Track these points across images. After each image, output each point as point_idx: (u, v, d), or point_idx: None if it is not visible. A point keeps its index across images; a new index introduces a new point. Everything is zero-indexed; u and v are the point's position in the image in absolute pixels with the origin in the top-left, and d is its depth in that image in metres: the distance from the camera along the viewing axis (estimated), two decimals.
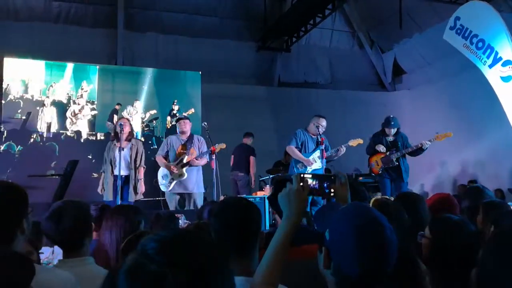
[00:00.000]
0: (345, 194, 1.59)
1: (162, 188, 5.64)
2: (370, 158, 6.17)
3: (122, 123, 5.30)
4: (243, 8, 9.82)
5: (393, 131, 6.04)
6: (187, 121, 5.75)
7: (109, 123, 5.86)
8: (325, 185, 1.54)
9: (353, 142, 5.78)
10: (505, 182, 7.42)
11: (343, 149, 5.60)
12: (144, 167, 5.43)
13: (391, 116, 6.16)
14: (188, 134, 5.71)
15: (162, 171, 5.65)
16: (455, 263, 1.74)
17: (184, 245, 0.75)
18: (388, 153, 5.97)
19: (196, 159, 5.51)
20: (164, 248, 0.74)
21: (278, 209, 1.50)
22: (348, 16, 10.43)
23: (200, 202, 5.53)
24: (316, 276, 1.32)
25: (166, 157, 5.64)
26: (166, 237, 0.76)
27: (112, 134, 5.56)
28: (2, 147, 7.58)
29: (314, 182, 1.51)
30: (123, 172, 5.21)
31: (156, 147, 8.44)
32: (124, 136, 5.26)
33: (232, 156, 7.53)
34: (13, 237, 1.50)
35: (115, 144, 5.30)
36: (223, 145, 5.56)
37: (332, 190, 1.56)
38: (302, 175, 1.47)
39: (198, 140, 5.74)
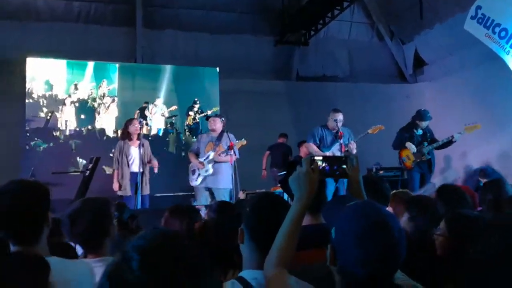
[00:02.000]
0: (356, 176, 1.62)
1: (191, 182, 5.91)
2: (401, 152, 6.10)
3: (134, 124, 5.76)
4: (260, 2, 9.78)
5: (425, 124, 5.99)
6: (217, 119, 5.92)
7: (141, 119, 6.16)
8: (335, 167, 1.55)
9: (373, 130, 5.72)
10: None
11: (353, 145, 5.54)
12: (154, 159, 5.87)
13: (423, 109, 6.11)
14: (219, 131, 5.81)
15: (191, 166, 5.94)
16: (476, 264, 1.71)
17: (166, 259, 0.74)
18: (419, 147, 5.94)
19: (223, 155, 5.59)
20: (146, 261, 0.73)
21: (290, 193, 1.52)
22: (367, 7, 10.27)
23: (226, 197, 5.62)
24: (324, 280, 1.32)
25: (197, 153, 5.90)
26: (149, 248, 0.76)
27: (123, 134, 5.93)
28: (28, 145, 7.79)
29: (324, 164, 1.51)
30: (138, 169, 5.65)
31: (177, 144, 8.57)
32: (136, 136, 5.72)
33: (268, 153, 7.91)
34: (42, 230, 1.55)
35: (128, 143, 5.69)
36: (244, 142, 5.68)
37: (343, 172, 1.57)
38: (312, 158, 1.48)
39: (229, 137, 5.83)
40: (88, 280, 1.58)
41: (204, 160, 5.70)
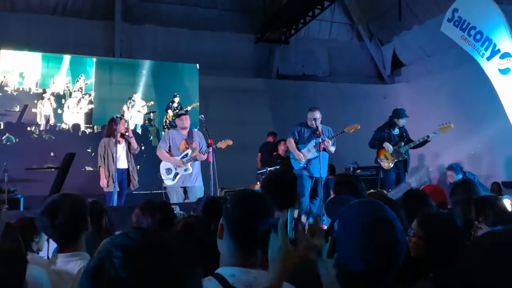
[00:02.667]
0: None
1: (167, 182, 5.69)
2: (379, 152, 6.17)
3: (120, 122, 5.67)
4: (242, 0, 9.75)
5: (403, 122, 6.09)
6: (188, 116, 5.81)
7: (117, 115, 6.14)
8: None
9: (349, 129, 5.78)
10: (501, 174, 7.42)
11: (327, 143, 5.59)
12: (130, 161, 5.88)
13: (400, 108, 6.20)
14: (188, 129, 5.74)
15: (164, 165, 5.72)
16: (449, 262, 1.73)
17: (150, 258, 0.73)
18: (396, 147, 6.03)
19: (203, 154, 5.54)
20: (129, 260, 0.72)
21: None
22: (347, 8, 10.36)
23: (201, 195, 5.58)
24: (305, 275, 1.32)
25: (168, 152, 5.71)
26: (133, 246, 0.74)
27: (108, 131, 5.84)
28: (1, 140, 7.57)
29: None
30: (123, 166, 5.71)
31: (152, 139, 8.45)
32: (120, 133, 5.64)
33: (259, 154, 7.95)
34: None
35: (113, 141, 5.60)
36: (230, 142, 5.61)
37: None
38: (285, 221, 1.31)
39: (198, 135, 5.81)
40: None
41: (183, 158, 5.61)
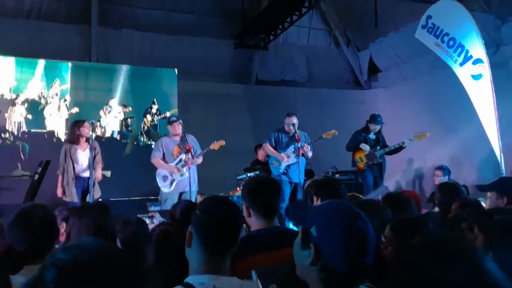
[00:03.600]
0: None
1: (165, 189, 5.64)
2: (354, 154, 6.30)
3: (84, 127, 5.47)
4: (220, 5, 9.76)
5: (378, 127, 6.22)
6: (179, 122, 5.75)
7: (93, 121, 5.99)
8: None
9: (327, 135, 5.87)
10: (473, 178, 7.60)
11: (307, 148, 5.64)
12: (102, 162, 5.63)
13: (377, 113, 6.34)
14: (180, 134, 5.71)
15: (161, 173, 5.68)
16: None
17: (83, 278, 0.70)
18: (372, 150, 6.15)
19: (197, 157, 5.55)
20: (61, 280, 0.70)
21: (295, 221, 1.45)
22: (325, 14, 10.49)
23: (194, 200, 5.55)
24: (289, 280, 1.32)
25: (162, 159, 5.67)
26: (66, 264, 0.71)
27: (70, 136, 5.64)
28: None
29: None
30: (86, 174, 5.41)
31: (132, 146, 8.35)
32: (84, 139, 5.46)
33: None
34: None
35: (75, 147, 5.41)
36: (223, 142, 5.67)
37: None
38: None
39: (192, 139, 5.77)
40: None
41: (178, 164, 5.56)
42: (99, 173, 5.54)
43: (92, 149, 5.32)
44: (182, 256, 1.52)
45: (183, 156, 5.53)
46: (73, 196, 5.33)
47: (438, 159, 8.20)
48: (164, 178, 5.65)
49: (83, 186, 5.39)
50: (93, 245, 0.75)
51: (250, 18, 9.49)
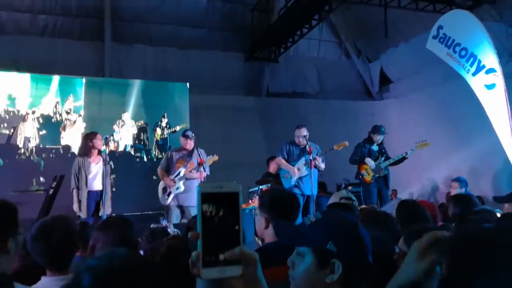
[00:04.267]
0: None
1: (162, 201, 5.66)
2: (360, 167, 6.25)
3: (97, 139, 5.37)
4: (230, 19, 9.86)
5: (381, 138, 6.19)
6: (191, 140, 5.69)
7: (107, 136, 5.97)
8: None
9: (338, 146, 5.83)
10: (489, 189, 7.47)
11: (319, 160, 5.59)
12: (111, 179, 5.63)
13: (379, 124, 6.31)
14: (191, 149, 5.70)
15: (162, 184, 5.71)
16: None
17: (118, 281, 0.73)
18: (377, 162, 6.11)
19: (194, 172, 5.49)
20: (96, 281, 0.73)
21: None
22: (335, 26, 10.53)
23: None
24: None
25: (167, 170, 5.68)
26: (101, 270, 0.75)
27: (82, 149, 5.52)
28: None
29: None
30: (99, 188, 5.31)
31: (146, 160, 8.41)
32: (97, 151, 5.38)
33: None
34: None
35: (88, 160, 5.31)
36: (216, 157, 5.60)
37: None
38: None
39: (199, 153, 5.67)
40: None
41: (175, 177, 5.54)
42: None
43: (105, 161, 5.28)
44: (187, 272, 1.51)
45: (182, 170, 5.52)
46: (84, 212, 5.21)
47: (453, 170, 8.11)
48: (164, 190, 5.66)
49: (96, 199, 5.31)
50: (123, 253, 0.79)
51: (260, 31, 9.57)
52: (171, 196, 5.54)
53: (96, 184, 5.32)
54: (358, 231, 1.21)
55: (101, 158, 5.40)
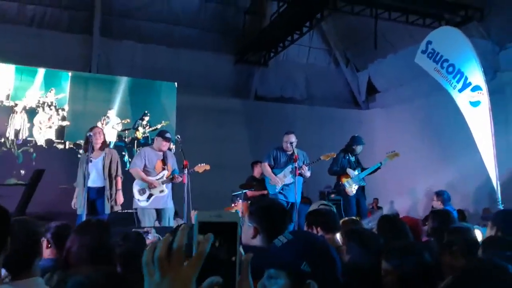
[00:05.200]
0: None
1: (141, 204, 5.29)
2: (341, 178, 6.23)
3: (93, 133, 5.08)
4: (222, 21, 9.84)
5: (360, 149, 6.25)
6: (170, 144, 5.57)
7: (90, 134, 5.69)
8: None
9: (325, 156, 5.85)
10: (468, 204, 7.61)
11: (305, 168, 5.59)
12: (121, 177, 5.21)
13: (357, 135, 6.37)
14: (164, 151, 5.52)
15: (138, 185, 5.34)
16: None
17: None
18: (357, 173, 6.16)
19: (179, 176, 5.34)
20: None
21: None
22: (326, 34, 10.60)
23: (172, 217, 5.44)
24: None
25: (143, 170, 5.36)
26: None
27: (84, 144, 5.28)
28: None
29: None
30: (97, 184, 5.04)
31: (128, 157, 8.30)
32: (97, 146, 5.08)
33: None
34: None
35: (87, 156, 4.99)
36: (207, 167, 5.51)
37: None
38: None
39: (171, 156, 5.59)
40: None
41: (159, 180, 5.32)
42: (120, 197, 5.14)
43: (105, 157, 5.04)
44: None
45: (165, 173, 5.33)
46: (81, 208, 4.89)
47: (435, 181, 8.22)
48: (141, 191, 5.30)
49: (95, 196, 5.02)
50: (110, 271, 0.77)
51: (251, 34, 9.57)
52: (152, 198, 5.29)
53: (93, 181, 5.00)
54: (329, 250, 1.21)
55: (104, 153, 5.10)
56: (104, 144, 5.21)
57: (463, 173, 7.59)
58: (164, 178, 5.34)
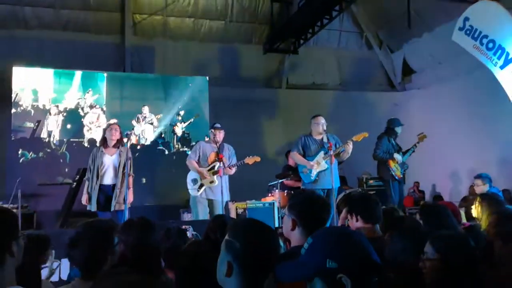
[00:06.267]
0: None
1: (192, 192, 5.50)
2: (389, 163, 6.14)
3: (110, 129, 5.14)
4: (249, 11, 9.79)
5: (400, 130, 6.13)
6: (222, 131, 5.63)
7: (128, 132, 5.92)
8: None
9: (357, 137, 5.52)
10: None
11: (350, 146, 5.43)
12: (133, 175, 5.20)
13: (394, 117, 6.27)
14: (220, 143, 5.58)
15: (191, 175, 5.56)
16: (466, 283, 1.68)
17: None
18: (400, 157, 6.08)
19: (230, 168, 5.45)
20: None
21: None
22: (356, 16, 10.34)
23: (222, 210, 5.49)
24: None
25: (197, 162, 5.55)
26: None
27: (100, 139, 5.31)
28: (14, 156, 7.65)
29: None
30: (111, 181, 5.04)
31: (166, 153, 8.49)
32: (112, 142, 5.08)
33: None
34: (3, 260, 1.46)
35: (102, 151, 5.05)
36: (258, 158, 5.58)
37: None
38: None
39: (229, 149, 5.66)
40: None
41: (209, 170, 5.45)
42: (131, 196, 5.03)
43: (120, 154, 5.03)
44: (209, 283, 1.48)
45: (216, 164, 5.42)
46: (92, 205, 4.94)
47: (478, 162, 7.91)
48: (194, 181, 5.50)
49: (107, 193, 5.01)
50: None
51: (279, 23, 9.48)
52: (203, 188, 5.44)
53: (108, 178, 5.03)
54: (350, 238, 1.19)
55: (119, 151, 5.10)
56: (119, 142, 5.18)
57: (506, 152, 7.27)
58: (215, 169, 5.37)
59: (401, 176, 6.03)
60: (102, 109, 8.25)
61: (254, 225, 1.50)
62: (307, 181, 5.58)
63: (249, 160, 5.54)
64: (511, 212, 2.58)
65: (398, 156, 6.07)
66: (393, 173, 6.04)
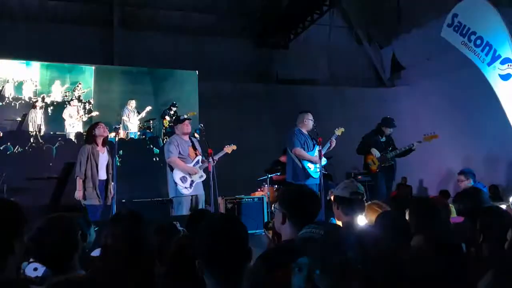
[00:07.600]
0: None
1: (184, 191, 5.34)
2: (366, 157, 6.30)
3: (98, 127, 5.28)
4: (240, 5, 9.74)
5: (390, 131, 6.20)
6: (188, 122, 5.56)
7: (116, 126, 5.92)
8: None
9: (338, 131, 5.66)
10: (501, 179, 7.39)
11: (333, 142, 5.51)
12: (111, 173, 5.37)
13: (390, 117, 6.30)
14: (189, 135, 5.57)
15: (179, 173, 5.36)
16: None
17: None
18: (383, 152, 6.15)
19: (213, 161, 5.37)
20: None
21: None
22: (346, 12, 10.35)
23: (203, 204, 5.48)
24: None
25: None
26: None
27: (88, 138, 5.39)
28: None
29: None
30: (104, 177, 5.28)
31: (151, 147, 8.41)
32: (101, 141, 5.26)
33: None
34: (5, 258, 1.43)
35: (96, 149, 5.22)
36: (234, 147, 5.59)
37: None
38: None
39: (197, 141, 5.64)
40: None
41: (195, 166, 5.36)
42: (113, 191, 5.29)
43: (110, 152, 5.25)
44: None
45: (199, 158, 5.41)
46: (95, 199, 5.10)
47: (463, 159, 8.02)
48: (183, 179, 5.35)
49: (101, 188, 5.24)
50: None
51: (270, 17, 9.45)
52: (194, 184, 5.34)
53: (103, 174, 5.26)
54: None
55: (106, 148, 5.32)
56: (106, 141, 5.36)
57: (494, 149, 7.36)
58: (200, 163, 5.36)
59: (377, 170, 6.13)
60: (85, 103, 8.11)
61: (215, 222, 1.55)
62: (316, 176, 5.46)
63: (228, 149, 5.55)
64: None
65: (375, 151, 6.20)
66: (369, 167, 6.20)
